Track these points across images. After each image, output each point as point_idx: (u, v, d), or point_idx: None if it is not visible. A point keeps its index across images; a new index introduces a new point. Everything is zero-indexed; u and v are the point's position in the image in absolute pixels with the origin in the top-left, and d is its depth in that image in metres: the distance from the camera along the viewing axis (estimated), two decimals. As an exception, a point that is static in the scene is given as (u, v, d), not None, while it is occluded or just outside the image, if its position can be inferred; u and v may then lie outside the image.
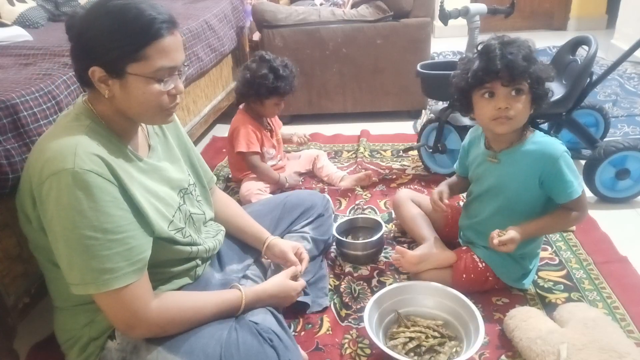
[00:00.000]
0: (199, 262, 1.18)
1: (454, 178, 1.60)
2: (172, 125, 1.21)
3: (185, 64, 1.02)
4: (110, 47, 0.91)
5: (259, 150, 1.98)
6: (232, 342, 1.00)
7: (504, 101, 1.24)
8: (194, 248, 1.12)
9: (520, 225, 1.31)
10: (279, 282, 1.24)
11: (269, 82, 1.88)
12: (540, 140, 1.32)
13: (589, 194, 1.89)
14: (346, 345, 1.28)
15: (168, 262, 1.09)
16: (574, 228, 1.70)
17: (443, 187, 1.52)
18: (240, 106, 2.07)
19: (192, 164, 1.25)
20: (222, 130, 2.09)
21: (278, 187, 2.04)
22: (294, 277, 1.28)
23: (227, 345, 1.00)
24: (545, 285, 1.46)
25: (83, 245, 0.88)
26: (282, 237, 1.49)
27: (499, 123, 1.27)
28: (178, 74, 0.99)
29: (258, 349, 1.00)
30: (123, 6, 0.92)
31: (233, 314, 1.11)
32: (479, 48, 1.29)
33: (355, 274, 1.54)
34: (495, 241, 1.29)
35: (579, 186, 1.29)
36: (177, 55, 0.96)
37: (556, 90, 1.81)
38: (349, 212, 1.89)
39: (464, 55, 1.93)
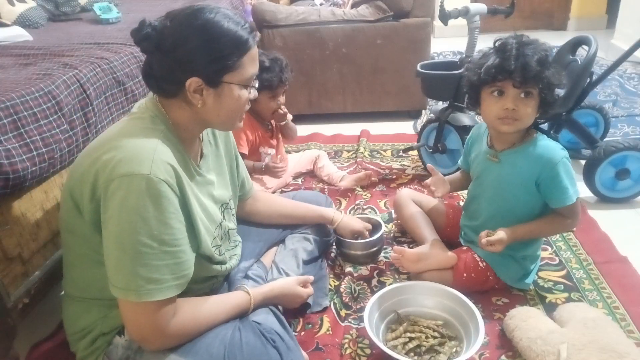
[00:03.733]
0: (220, 278, 1.20)
1: (456, 174, 1.60)
2: (223, 132, 1.23)
3: None
4: (212, 59, 0.94)
5: (245, 152, 1.96)
6: (236, 342, 1.01)
7: (512, 102, 1.24)
8: (223, 267, 1.14)
9: (510, 227, 1.31)
10: (286, 285, 1.26)
11: None
12: (542, 143, 1.32)
13: (588, 194, 1.90)
14: (346, 345, 1.28)
15: (196, 279, 1.08)
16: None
17: (441, 176, 1.52)
18: None
19: (232, 173, 1.26)
20: (222, 131, 2.08)
21: (258, 173, 2.00)
22: (305, 285, 1.31)
23: (231, 345, 1.00)
24: (545, 285, 1.46)
25: (136, 251, 0.88)
26: (284, 238, 1.50)
27: (505, 122, 1.27)
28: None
29: (261, 350, 1.01)
30: (215, 20, 0.95)
31: (241, 316, 1.12)
32: (496, 44, 1.27)
33: (355, 274, 1.54)
34: (484, 241, 1.30)
35: (574, 193, 1.29)
36: (257, 63, 1.03)
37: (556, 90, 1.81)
38: (349, 212, 1.89)
39: (464, 56, 1.95)
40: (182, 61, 0.94)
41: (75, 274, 1.05)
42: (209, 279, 1.15)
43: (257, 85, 1.06)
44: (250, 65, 0.99)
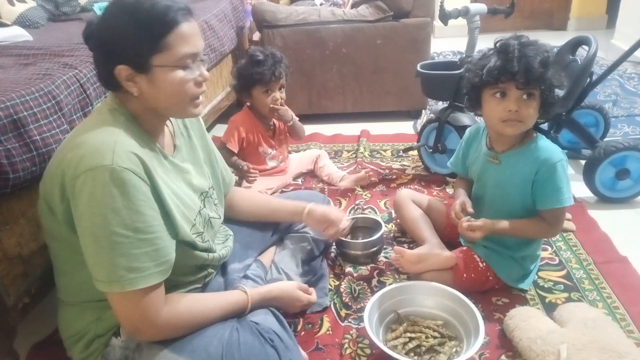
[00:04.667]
0: (211, 269, 1.19)
1: (462, 183, 1.55)
2: (196, 125, 1.22)
3: (204, 53, 1.02)
4: (133, 42, 0.92)
5: (234, 150, 1.98)
6: (234, 342, 1.01)
7: (515, 104, 1.23)
8: (210, 255, 1.13)
9: (492, 220, 1.33)
10: (286, 288, 1.26)
11: (246, 71, 1.89)
12: (541, 144, 1.32)
13: (588, 194, 1.90)
14: (346, 345, 1.28)
15: (184, 270, 1.09)
16: (573, 228, 1.70)
17: (463, 197, 1.44)
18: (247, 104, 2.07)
19: (212, 165, 1.26)
20: (222, 131, 2.09)
21: (236, 170, 2.00)
22: (306, 291, 1.31)
23: (229, 345, 1.00)
24: (545, 285, 1.46)
25: (112, 243, 0.88)
26: (283, 238, 1.50)
27: (508, 125, 1.27)
28: (201, 61, 1.00)
29: (259, 349, 1.01)
30: (133, 2, 0.93)
31: (239, 315, 1.12)
32: (497, 45, 1.26)
33: (355, 274, 1.54)
34: (465, 225, 1.30)
35: (567, 199, 1.29)
36: (196, 41, 0.97)
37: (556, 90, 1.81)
38: (349, 212, 1.89)
39: (464, 56, 1.95)
40: (107, 51, 0.94)
41: (64, 280, 1.06)
42: (199, 270, 1.14)
43: (191, 64, 0.97)
44: (181, 44, 0.94)
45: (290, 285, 1.28)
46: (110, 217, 0.87)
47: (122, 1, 0.94)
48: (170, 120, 1.13)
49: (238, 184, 2.08)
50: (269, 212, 1.43)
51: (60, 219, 0.95)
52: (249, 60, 1.91)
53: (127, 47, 0.92)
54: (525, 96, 1.24)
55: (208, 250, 1.12)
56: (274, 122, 2.07)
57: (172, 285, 1.06)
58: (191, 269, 1.12)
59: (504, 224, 1.34)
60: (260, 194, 1.48)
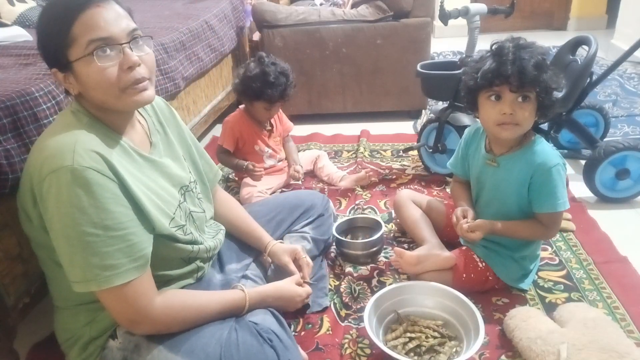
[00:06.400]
0: (200, 263, 1.18)
1: (459, 186, 1.55)
2: (172, 121, 1.21)
3: (137, 34, 0.95)
4: (47, 43, 0.93)
5: (230, 149, 2.00)
6: (232, 342, 1.01)
7: (510, 107, 1.23)
8: (195, 247, 1.12)
9: (490, 220, 1.33)
10: (283, 285, 1.25)
11: (256, 85, 1.88)
12: (539, 148, 1.32)
13: (588, 194, 1.90)
14: (346, 345, 1.28)
15: (170, 263, 1.09)
16: (573, 228, 1.70)
17: (466, 207, 1.41)
18: (241, 106, 2.08)
19: (193, 160, 1.25)
20: (222, 131, 2.09)
21: (240, 171, 2.03)
22: (299, 283, 1.30)
23: (227, 345, 1.00)
24: (545, 285, 1.46)
25: (84, 243, 0.88)
26: (282, 238, 1.49)
27: (504, 129, 1.26)
28: (127, 45, 0.93)
29: (258, 349, 1.01)
30: (48, 2, 0.94)
31: (236, 314, 1.11)
32: (493, 48, 1.27)
33: (355, 274, 1.54)
34: (466, 226, 1.30)
35: (563, 204, 1.29)
36: (107, 26, 0.91)
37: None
38: (349, 212, 1.89)
39: (464, 56, 1.95)
40: (43, 57, 0.95)
41: (55, 286, 1.06)
42: (186, 263, 1.13)
43: (107, 51, 0.91)
44: (85, 32, 0.90)
45: (286, 281, 1.27)
46: (78, 217, 0.87)
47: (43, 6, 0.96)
48: (144, 117, 1.12)
49: (239, 184, 2.08)
50: (238, 232, 1.38)
51: (36, 225, 0.95)
52: (262, 76, 1.87)
53: (47, 51, 0.93)
54: (520, 99, 1.23)
55: (192, 242, 1.11)
56: (271, 123, 2.08)
57: (163, 280, 1.07)
58: (177, 262, 1.11)
59: (500, 225, 1.34)
60: (240, 209, 1.41)
